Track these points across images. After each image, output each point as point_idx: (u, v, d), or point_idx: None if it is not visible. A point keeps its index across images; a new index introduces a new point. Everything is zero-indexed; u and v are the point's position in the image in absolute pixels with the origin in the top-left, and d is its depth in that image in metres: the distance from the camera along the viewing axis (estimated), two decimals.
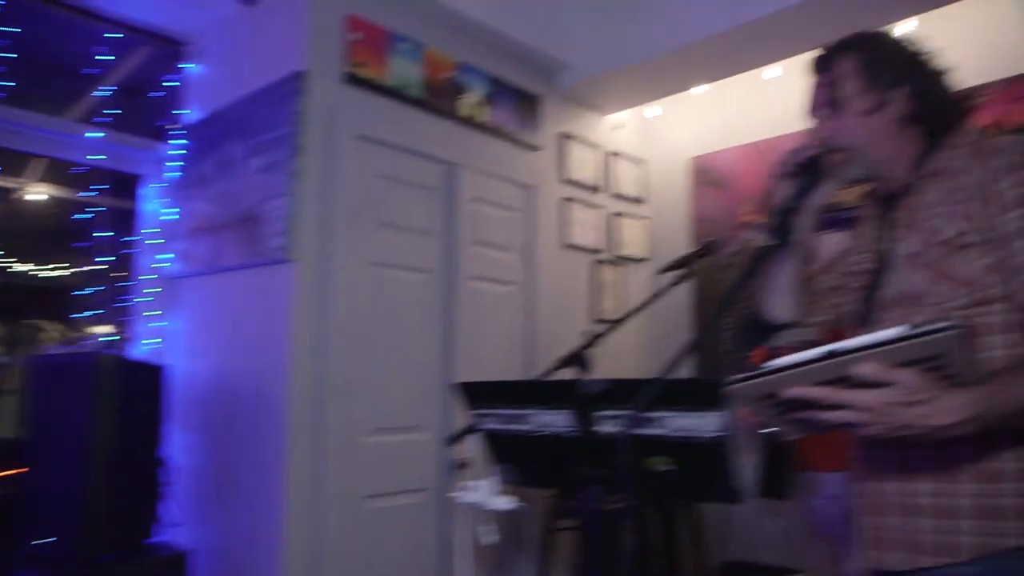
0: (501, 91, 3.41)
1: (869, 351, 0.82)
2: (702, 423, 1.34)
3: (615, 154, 4.07)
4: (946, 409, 0.92)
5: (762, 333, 1.51)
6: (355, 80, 2.79)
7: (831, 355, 0.84)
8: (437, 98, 3.10)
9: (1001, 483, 1.09)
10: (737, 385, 0.91)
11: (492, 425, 1.65)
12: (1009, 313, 1.14)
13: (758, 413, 0.99)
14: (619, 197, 4.08)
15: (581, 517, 1.57)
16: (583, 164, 3.88)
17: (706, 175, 4.03)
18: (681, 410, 1.35)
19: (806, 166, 1.31)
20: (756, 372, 0.89)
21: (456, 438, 1.82)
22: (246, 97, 2.87)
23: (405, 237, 3.00)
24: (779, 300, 1.43)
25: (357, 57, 2.79)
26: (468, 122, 3.25)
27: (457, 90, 3.19)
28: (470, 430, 1.78)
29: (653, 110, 4.19)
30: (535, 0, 3.50)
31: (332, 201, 2.70)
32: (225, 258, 2.83)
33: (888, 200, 1.35)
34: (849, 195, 1.63)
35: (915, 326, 0.83)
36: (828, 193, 1.33)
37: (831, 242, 1.55)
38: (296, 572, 2.52)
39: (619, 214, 4.05)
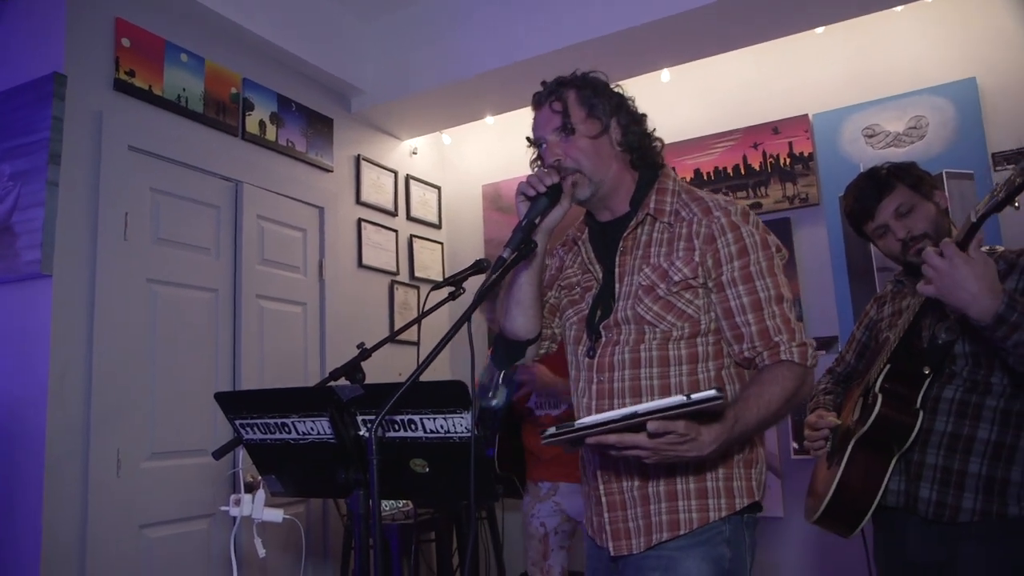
0: (290, 111, 3.40)
1: (663, 413, 1.14)
2: (451, 424, 1.44)
3: (411, 179, 4.18)
4: (705, 443, 1.22)
5: (508, 350, 1.65)
6: (126, 88, 2.67)
7: (634, 415, 1.15)
8: (220, 113, 3.04)
9: (706, 471, 1.40)
10: (557, 436, 1.20)
11: (254, 435, 1.65)
12: (716, 344, 1.46)
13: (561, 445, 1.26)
14: (415, 220, 4.19)
15: (352, 523, 1.60)
16: (378, 187, 3.94)
17: (496, 201, 4.24)
18: (431, 412, 1.44)
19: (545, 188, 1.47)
20: (573, 429, 1.19)
21: (223, 451, 1.80)
22: None
23: (186, 254, 2.89)
24: (518, 316, 1.58)
25: (128, 64, 2.68)
26: (255, 140, 3.20)
27: (243, 106, 3.15)
28: (236, 442, 1.76)
29: (447, 138, 4.36)
30: (324, 23, 3.54)
31: (99, 214, 2.55)
32: None
33: (606, 228, 1.55)
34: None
35: (688, 397, 1.13)
36: (563, 212, 1.50)
37: (553, 261, 1.72)
38: None
39: (415, 237, 4.16)
